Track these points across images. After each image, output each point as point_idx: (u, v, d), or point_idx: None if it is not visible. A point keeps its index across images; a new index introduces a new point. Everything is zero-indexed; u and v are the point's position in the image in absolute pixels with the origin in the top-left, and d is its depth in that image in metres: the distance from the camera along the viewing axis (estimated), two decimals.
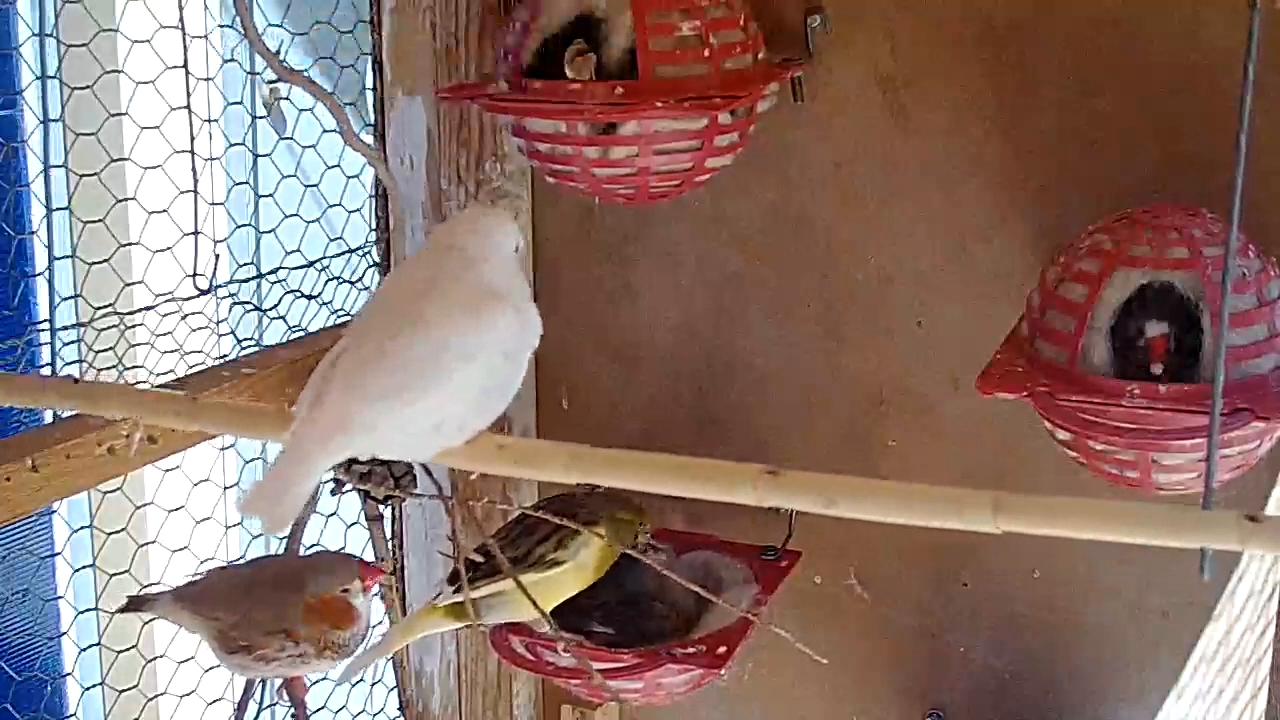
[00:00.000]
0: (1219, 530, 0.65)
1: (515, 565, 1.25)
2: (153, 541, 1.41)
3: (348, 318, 1.49)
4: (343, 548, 1.53)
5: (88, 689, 1.37)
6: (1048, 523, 0.70)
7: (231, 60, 1.44)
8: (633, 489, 0.76)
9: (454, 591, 1.28)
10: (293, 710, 1.40)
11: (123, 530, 1.35)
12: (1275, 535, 0.64)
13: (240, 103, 1.47)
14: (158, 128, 1.32)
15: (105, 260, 1.32)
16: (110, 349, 1.28)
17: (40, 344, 1.28)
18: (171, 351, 1.34)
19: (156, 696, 1.40)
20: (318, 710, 1.52)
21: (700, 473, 0.75)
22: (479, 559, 1.22)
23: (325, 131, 1.46)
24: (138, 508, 1.39)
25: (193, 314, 1.35)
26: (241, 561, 1.43)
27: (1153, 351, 1.10)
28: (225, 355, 1.39)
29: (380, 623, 1.54)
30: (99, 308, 1.28)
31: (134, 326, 1.31)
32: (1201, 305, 1.09)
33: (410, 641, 1.45)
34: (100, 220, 1.31)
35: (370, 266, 1.52)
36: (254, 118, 1.48)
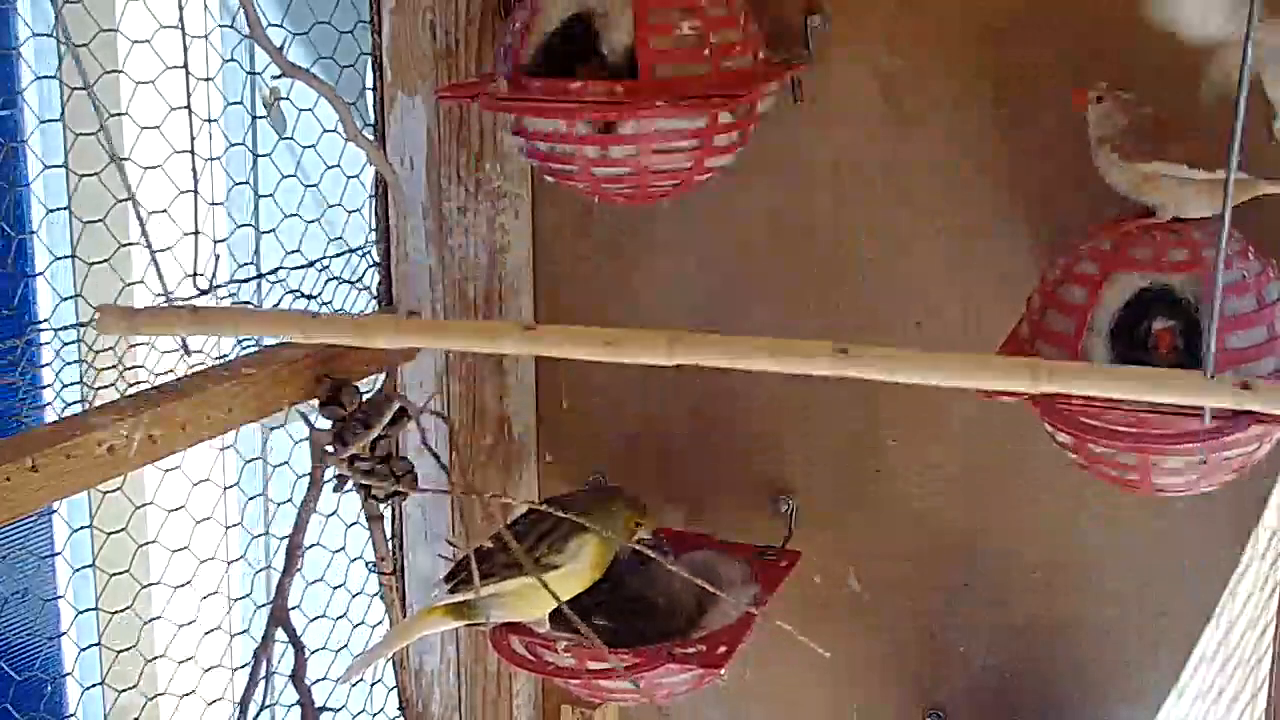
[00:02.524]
0: (1218, 393, 0.69)
1: (509, 570, 1.25)
2: (153, 541, 1.41)
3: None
4: (342, 548, 1.53)
5: (88, 689, 1.37)
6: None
7: (231, 60, 1.44)
8: (724, 365, 0.79)
9: (450, 592, 1.29)
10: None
11: (123, 530, 1.35)
12: (1270, 395, 0.67)
13: (240, 103, 1.47)
14: (158, 128, 1.32)
15: (105, 260, 1.32)
16: (110, 349, 1.28)
17: (40, 344, 1.28)
18: (172, 351, 1.34)
19: (156, 696, 1.40)
20: (318, 710, 1.52)
21: (775, 350, 0.78)
22: (475, 561, 1.22)
23: (325, 131, 1.46)
24: (138, 508, 1.39)
25: None
26: None
27: (1159, 342, 1.10)
28: (225, 355, 1.39)
29: (380, 623, 1.54)
30: (99, 308, 1.27)
31: None
32: (1201, 308, 1.09)
33: (410, 642, 1.45)
34: (100, 220, 1.31)
35: (370, 266, 1.52)
36: (254, 118, 1.48)
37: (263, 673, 1.30)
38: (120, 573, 1.35)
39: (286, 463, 1.51)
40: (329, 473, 1.33)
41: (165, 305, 1.20)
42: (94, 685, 1.37)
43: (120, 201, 1.31)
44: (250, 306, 1.43)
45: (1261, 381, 0.67)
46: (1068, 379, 0.73)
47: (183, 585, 1.40)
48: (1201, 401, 0.69)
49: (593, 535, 1.27)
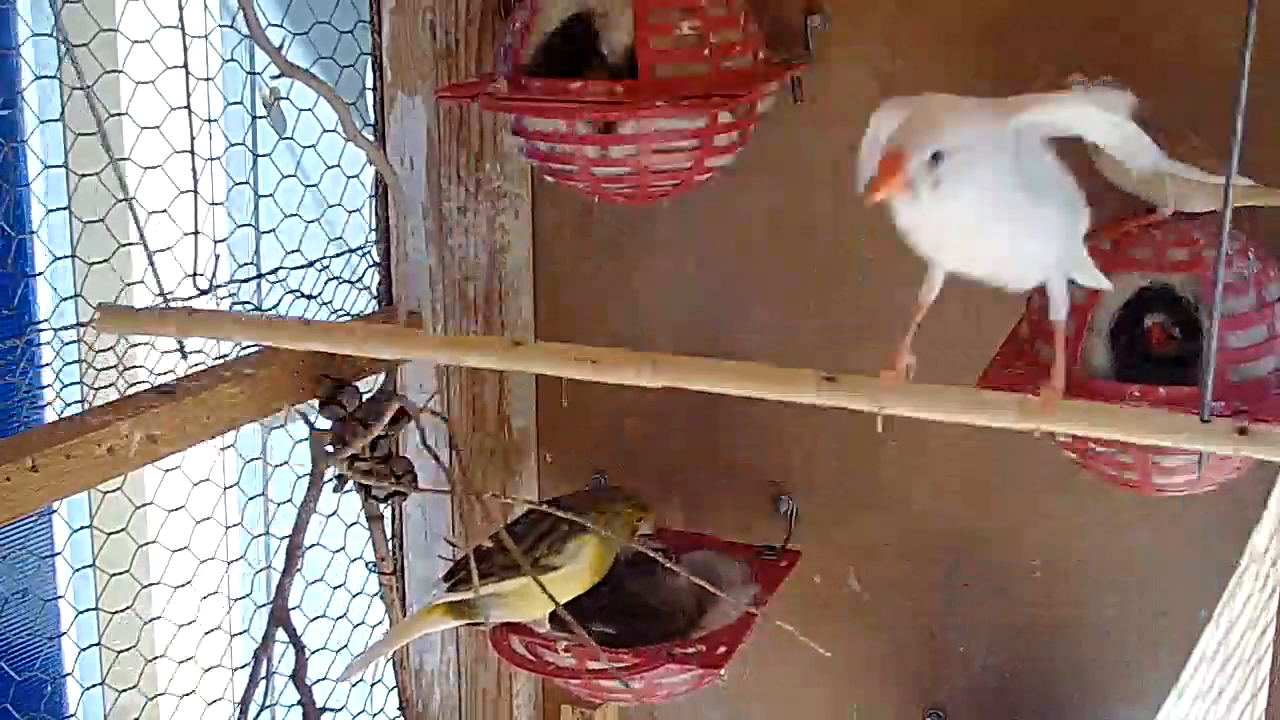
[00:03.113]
0: (1215, 437, 0.70)
1: (508, 571, 1.25)
2: (153, 541, 1.41)
3: (347, 318, 1.50)
4: (342, 548, 1.53)
5: (88, 689, 1.37)
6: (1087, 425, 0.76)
7: (231, 60, 1.44)
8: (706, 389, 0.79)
9: (449, 591, 1.29)
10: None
11: (123, 530, 1.35)
12: (1265, 442, 0.69)
13: (240, 103, 1.47)
14: (158, 128, 1.32)
15: (105, 260, 1.32)
16: (110, 349, 1.28)
17: (40, 344, 1.28)
18: (171, 351, 1.34)
19: (156, 696, 1.40)
20: (319, 710, 1.52)
21: (762, 377, 0.79)
22: (474, 561, 1.22)
23: (325, 131, 1.46)
24: (138, 508, 1.39)
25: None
26: None
27: (1151, 338, 1.10)
28: (225, 355, 1.39)
29: (380, 623, 1.55)
30: (99, 307, 1.28)
31: None
32: (1201, 307, 1.09)
33: (410, 641, 1.45)
34: (100, 220, 1.31)
35: (370, 266, 1.52)
36: (254, 118, 1.48)
37: (263, 673, 1.30)
38: (120, 573, 1.35)
39: (286, 463, 1.51)
40: (329, 473, 1.33)
41: (164, 306, 1.20)
42: (94, 685, 1.37)
43: (120, 201, 1.31)
44: (251, 308, 1.43)
45: (1262, 426, 0.68)
46: (1065, 416, 0.74)
47: (183, 585, 1.40)
48: (1199, 447, 0.70)
49: (592, 536, 1.27)
